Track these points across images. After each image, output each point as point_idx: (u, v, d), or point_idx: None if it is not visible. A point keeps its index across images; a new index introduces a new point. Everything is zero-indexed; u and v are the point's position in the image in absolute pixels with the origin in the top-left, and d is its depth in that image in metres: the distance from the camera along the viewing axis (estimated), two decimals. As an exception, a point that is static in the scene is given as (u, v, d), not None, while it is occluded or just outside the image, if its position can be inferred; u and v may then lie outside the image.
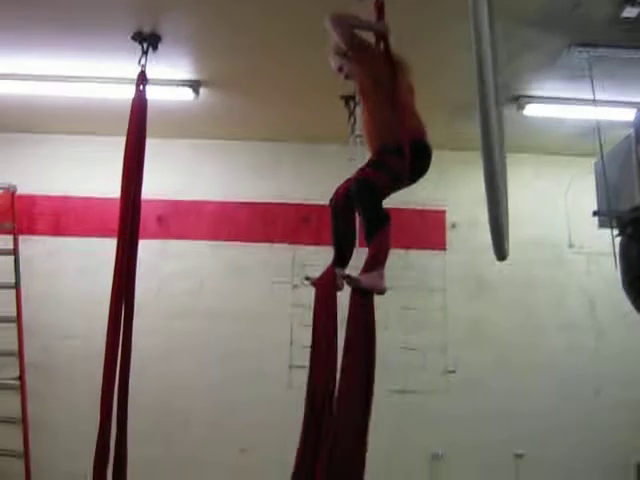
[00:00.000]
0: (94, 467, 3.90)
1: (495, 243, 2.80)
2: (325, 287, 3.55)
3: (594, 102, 4.80)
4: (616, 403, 5.90)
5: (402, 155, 3.24)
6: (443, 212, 6.26)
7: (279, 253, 6.16)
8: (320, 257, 6.20)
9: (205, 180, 6.31)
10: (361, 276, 3.11)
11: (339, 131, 5.75)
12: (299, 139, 6.24)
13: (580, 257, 6.29)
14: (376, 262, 3.13)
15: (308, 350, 5.74)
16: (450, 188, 6.32)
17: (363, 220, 3.24)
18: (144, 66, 4.49)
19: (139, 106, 4.40)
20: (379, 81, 3.41)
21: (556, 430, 5.85)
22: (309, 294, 5.98)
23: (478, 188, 6.18)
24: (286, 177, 6.30)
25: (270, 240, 6.19)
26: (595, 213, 4.46)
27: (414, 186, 5.63)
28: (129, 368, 4.07)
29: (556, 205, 6.32)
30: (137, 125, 4.36)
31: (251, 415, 5.79)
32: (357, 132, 5.05)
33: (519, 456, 5.80)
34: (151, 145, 4.55)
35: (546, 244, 6.29)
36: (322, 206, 6.32)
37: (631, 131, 4.38)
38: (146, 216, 5.04)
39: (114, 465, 4.00)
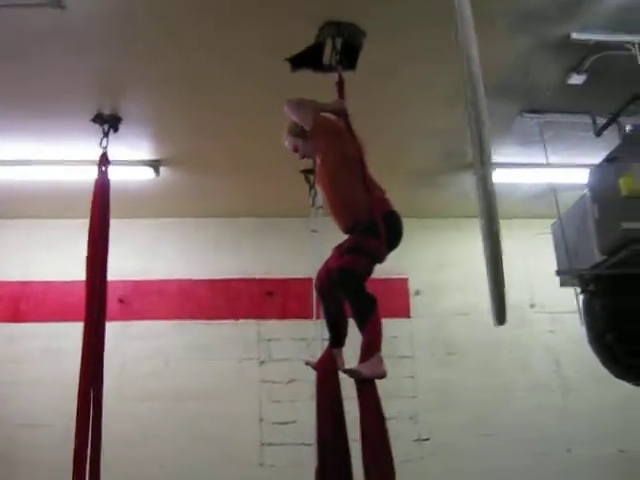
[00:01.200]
0: None
1: (496, 308, 2.83)
2: (326, 368, 3.56)
3: (547, 165, 4.98)
4: (588, 460, 5.89)
5: (376, 232, 3.29)
6: (406, 280, 6.31)
7: (244, 329, 6.12)
8: (287, 331, 6.25)
9: (166, 259, 6.28)
10: (361, 366, 3.13)
11: (299, 205, 5.81)
12: (259, 214, 6.30)
13: (543, 316, 6.40)
14: (372, 348, 3.16)
15: (279, 426, 5.76)
16: (411, 255, 6.33)
17: (352, 308, 3.27)
18: (105, 148, 4.51)
19: (102, 187, 4.40)
20: (347, 156, 3.47)
21: None
22: (277, 369, 6.05)
23: (439, 254, 6.46)
24: (248, 252, 6.33)
25: (235, 317, 6.13)
26: (558, 272, 4.55)
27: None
28: (99, 456, 3.92)
29: (516, 267, 6.40)
30: (100, 206, 4.34)
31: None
32: (318, 204, 5.09)
33: (497, 520, 5.76)
34: (111, 225, 4.49)
35: (508, 305, 6.31)
36: (286, 280, 6.48)
37: (585, 191, 4.55)
38: (107, 297, 4.98)
39: None
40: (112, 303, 5.87)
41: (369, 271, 3.33)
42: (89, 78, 4.26)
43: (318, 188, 3.81)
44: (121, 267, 6.01)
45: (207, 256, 6.28)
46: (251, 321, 6.12)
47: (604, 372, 5.83)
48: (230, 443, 5.74)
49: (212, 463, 5.67)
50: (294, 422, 5.84)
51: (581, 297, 4.69)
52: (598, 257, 4.52)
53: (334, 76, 3.92)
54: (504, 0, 3.72)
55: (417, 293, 6.26)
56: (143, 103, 4.56)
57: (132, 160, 5.16)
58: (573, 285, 4.83)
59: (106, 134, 4.53)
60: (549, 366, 6.23)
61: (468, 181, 5.69)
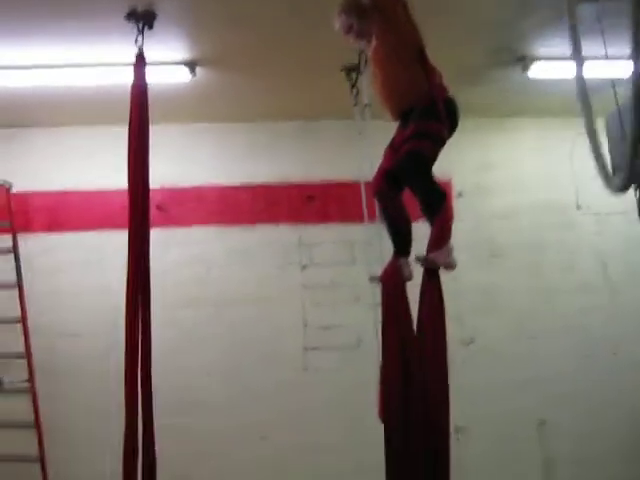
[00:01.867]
0: (124, 467, 3.76)
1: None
2: (393, 280, 3.42)
3: (603, 57, 4.69)
4: (635, 362, 5.88)
5: (437, 116, 3.15)
6: (449, 181, 6.10)
7: (285, 234, 6.02)
8: (327, 235, 6.14)
9: (203, 165, 6.12)
10: (433, 255, 3.06)
11: (337, 106, 5.58)
12: (298, 116, 6.06)
13: (589, 218, 6.24)
14: (443, 239, 3.08)
15: (323, 331, 5.75)
16: (454, 157, 6.09)
17: (420, 196, 3.14)
18: (141, 47, 4.18)
19: (139, 91, 4.12)
20: (406, 37, 3.28)
21: (577, 393, 5.83)
22: (319, 273, 6.01)
23: (483, 155, 6.25)
24: (287, 156, 6.13)
25: (275, 221, 6.03)
26: (619, 167, 4.33)
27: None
28: (150, 363, 3.89)
29: (561, 168, 6.22)
30: (139, 111, 4.09)
31: (269, 401, 5.69)
32: (366, 102, 4.87)
33: (542, 423, 5.80)
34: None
35: (554, 207, 6.21)
36: (326, 183, 6.35)
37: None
38: (148, 205, 4.91)
39: (143, 464, 3.86)
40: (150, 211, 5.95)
41: (435, 156, 3.20)
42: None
43: (371, 73, 3.58)
44: (157, 174, 5.88)
45: (245, 161, 6.10)
46: (291, 226, 6.01)
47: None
48: (274, 348, 5.77)
49: (257, 368, 5.72)
50: (338, 326, 5.84)
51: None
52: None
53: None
54: None
55: (460, 195, 6.10)
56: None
57: (168, 61, 4.88)
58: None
59: (141, 31, 4.20)
60: (595, 268, 6.12)
61: (516, 79, 5.46)
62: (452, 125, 3.28)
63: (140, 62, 4.21)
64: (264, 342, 5.80)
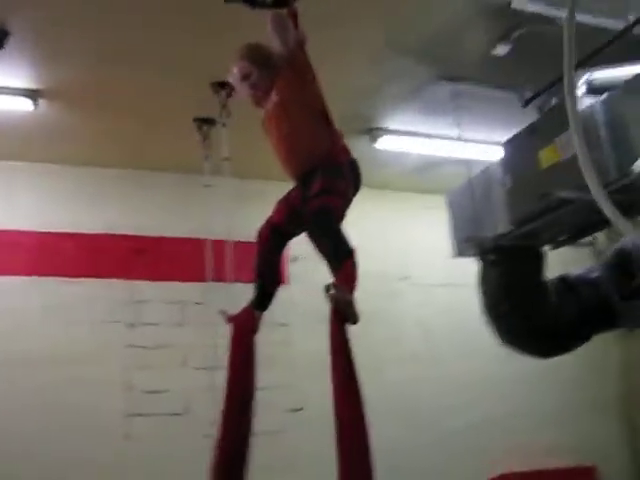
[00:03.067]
0: None
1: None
2: (246, 327, 3.31)
3: (454, 138, 5.00)
4: (457, 431, 6.11)
5: (343, 175, 3.04)
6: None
7: (110, 289, 5.51)
8: (158, 293, 5.76)
9: (21, 207, 5.47)
10: (340, 290, 2.84)
11: (179, 158, 5.46)
12: (135, 164, 5.68)
13: (414, 289, 6.48)
14: (348, 286, 2.86)
15: (148, 395, 5.30)
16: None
17: (327, 250, 2.98)
18: None
19: None
20: (311, 96, 3.16)
21: (406, 459, 5.81)
22: (147, 333, 5.56)
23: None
24: (119, 206, 5.70)
25: (100, 275, 5.51)
26: (468, 239, 4.56)
27: (251, 219, 5.51)
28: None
29: (393, 238, 6.47)
30: None
31: (83, 475, 4.99)
32: (226, 155, 4.70)
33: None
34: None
35: (383, 276, 6.38)
36: (159, 238, 5.98)
37: (489, 165, 4.61)
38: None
39: None
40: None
41: (343, 213, 3.05)
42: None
43: (266, 128, 3.40)
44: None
45: (71, 208, 5.57)
46: (118, 280, 5.55)
47: (472, 345, 6.15)
48: (92, 413, 5.14)
49: (72, 436, 5.04)
50: (166, 391, 5.40)
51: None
52: (503, 228, 4.66)
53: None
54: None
55: (295, 259, 6.06)
56: (34, 17, 3.80)
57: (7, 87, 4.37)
58: (469, 255, 4.93)
59: None
60: (419, 338, 6.34)
61: (363, 149, 5.61)
62: (356, 186, 3.19)
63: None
64: (80, 406, 5.14)
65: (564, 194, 3.74)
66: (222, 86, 4.59)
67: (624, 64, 4.02)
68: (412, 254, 6.28)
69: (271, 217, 3.34)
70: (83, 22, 3.90)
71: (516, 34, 4.10)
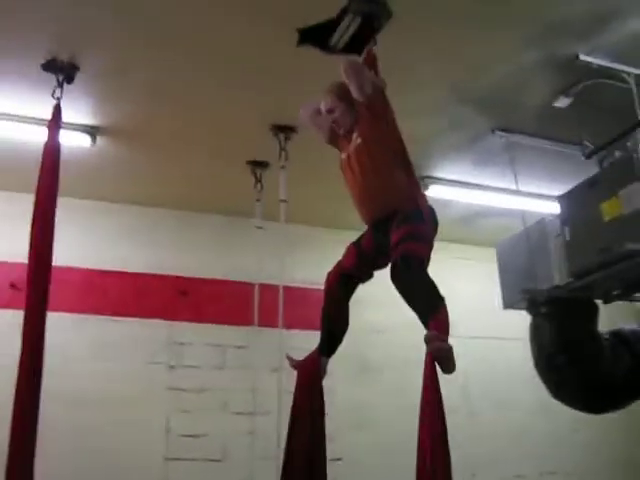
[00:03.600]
0: None
1: None
2: (309, 374, 3.31)
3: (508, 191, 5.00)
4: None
5: (425, 222, 3.01)
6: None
7: (153, 329, 5.49)
8: (200, 335, 5.72)
9: (68, 243, 5.47)
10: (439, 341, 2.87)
11: (231, 201, 5.53)
12: (183, 205, 5.73)
13: (454, 340, 6.39)
14: (444, 333, 2.87)
15: (186, 439, 5.21)
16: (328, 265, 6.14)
17: (418, 298, 2.96)
18: (59, 99, 3.76)
19: (52, 151, 3.62)
20: (393, 141, 3.17)
21: None
22: (187, 376, 5.51)
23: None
24: (164, 246, 5.71)
25: (143, 315, 5.49)
26: (523, 291, 4.52)
27: (296, 264, 5.48)
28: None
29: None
30: (49, 175, 3.59)
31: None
32: (283, 197, 4.72)
33: None
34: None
35: (420, 327, 6.30)
36: (201, 280, 5.98)
37: (549, 217, 4.63)
38: None
39: None
40: (3, 288, 5.18)
41: (429, 258, 2.99)
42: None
43: (345, 170, 3.40)
44: (14, 248, 5.25)
45: (116, 245, 5.58)
46: (160, 321, 5.52)
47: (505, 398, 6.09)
48: (132, 456, 5.05)
49: (112, 478, 4.96)
50: (205, 435, 5.34)
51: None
52: (560, 280, 4.64)
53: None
54: (530, 7, 3.62)
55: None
56: (102, 55, 3.87)
57: (72, 123, 4.35)
58: (519, 307, 4.89)
59: (60, 84, 3.76)
60: (456, 389, 6.23)
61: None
62: (435, 232, 3.15)
63: (57, 119, 3.76)
64: (120, 448, 5.06)
65: (633, 246, 3.74)
66: (281, 129, 4.66)
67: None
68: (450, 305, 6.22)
69: (341, 261, 3.38)
70: (145, 62, 3.96)
71: (579, 87, 4.15)
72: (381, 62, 3.59)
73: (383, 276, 6.25)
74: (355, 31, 3.81)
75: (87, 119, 4.47)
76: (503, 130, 4.61)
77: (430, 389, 2.86)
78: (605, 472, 6.49)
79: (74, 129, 4.45)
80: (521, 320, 6.37)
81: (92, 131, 4.49)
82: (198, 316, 5.62)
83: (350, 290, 3.40)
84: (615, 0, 3.63)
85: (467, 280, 6.52)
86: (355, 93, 3.15)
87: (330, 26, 3.81)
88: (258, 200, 5.11)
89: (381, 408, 5.94)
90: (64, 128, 4.22)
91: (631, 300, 4.86)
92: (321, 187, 5.22)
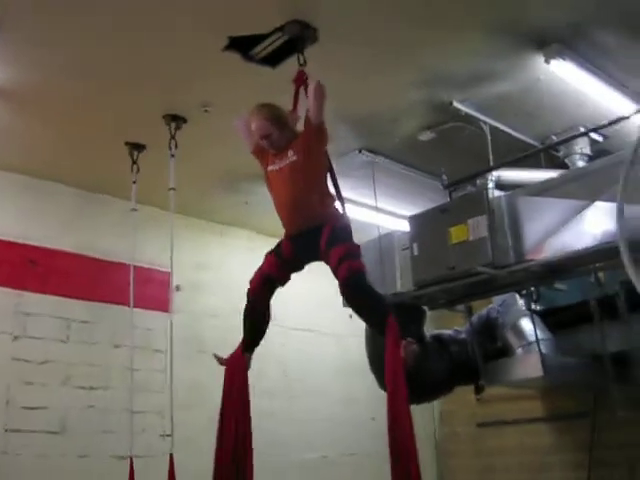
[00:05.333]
0: None
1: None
2: (237, 369, 3.73)
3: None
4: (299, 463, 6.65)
5: (352, 239, 3.49)
6: (167, 274, 6.17)
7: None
8: (46, 306, 5.62)
9: None
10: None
11: (90, 177, 5.57)
12: (41, 174, 5.53)
13: (277, 330, 6.86)
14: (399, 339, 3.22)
15: (27, 411, 5.13)
16: (175, 251, 6.26)
17: (370, 310, 3.37)
18: None
19: None
20: (324, 160, 3.62)
21: None
22: (32, 347, 5.39)
23: (202, 254, 6.52)
24: (13, 212, 5.48)
25: (-12, 282, 5.29)
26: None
27: (142, 244, 5.63)
28: None
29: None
30: None
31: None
32: (172, 185, 4.84)
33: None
34: None
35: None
36: (52, 250, 5.86)
37: (397, 232, 5.32)
38: None
39: None
40: None
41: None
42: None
43: (277, 180, 3.65)
44: None
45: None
46: (6, 290, 5.29)
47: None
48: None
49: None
50: (45, 407, 5.25)
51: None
52: (403, 287, 5.29)
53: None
54: (421, 58, 4.27)
55: (177, 289, 6.19)
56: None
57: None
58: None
59: None
60: (278, 375, 6.74)
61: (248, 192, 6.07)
62: None
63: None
64: None
65: (481, 268, 4.49)
66: (174, 119, 4.80)
67: (527, 169, 4.97)
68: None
69: (261, 268, 3.73)
70: (60, 31, 3.90)
71: (445, 127, 4.87)
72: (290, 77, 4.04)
73: (217, 265, 6.64)
74: (276, 47, 4.22)
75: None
76: (370, 151, 5.24)
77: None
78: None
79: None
80: (336, 318, 7.10)
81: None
82: (45, 287, 5.49)
83: (271, 291, 3.74)
84: (490, 65, 4.39)
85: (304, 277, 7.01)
86: (314, 115, 3.51)
87: (257, 38, 4.15)
88: (134, 182, 5.18)
89: (214, 387, 6.19)
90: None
91: (452, 310, 5.73)
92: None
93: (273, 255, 3.69)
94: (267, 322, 3.78)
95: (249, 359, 3.79)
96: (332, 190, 3.70)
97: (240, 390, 3.67)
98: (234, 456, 3.49)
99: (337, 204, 3.68)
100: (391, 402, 3.12)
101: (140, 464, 5.26)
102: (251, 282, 3.71)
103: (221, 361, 3.79)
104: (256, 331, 3.77)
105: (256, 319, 3.75)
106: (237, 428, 3.54)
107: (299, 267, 3.70)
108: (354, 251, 3.41)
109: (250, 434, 3.58)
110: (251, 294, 3.71)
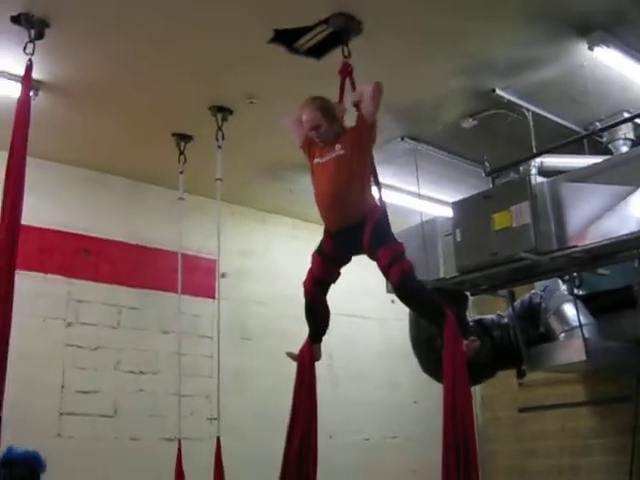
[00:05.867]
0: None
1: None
2: (309, 360, 3.95)
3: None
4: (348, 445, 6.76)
5: (395, 238, 3.58)
6: (214, 261, 6.32)
7: (53, 285, 5.46)
8: (97, 294, 5.82)
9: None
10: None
11: (139, 167, 5.72)
12: (89, 165, 5.70)
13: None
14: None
15: (80, 395, 5.32)
16: (221, 239, 6.37)
17: (425, 310, 3.59)
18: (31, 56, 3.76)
19: (25, 109, 3.64)
20: (372, 158, 3.70)
21: None
22: (86, 333, 5.59)
23: (247, 241, 6.64)
24: (68, 203, 5.67)
25: (43, 270, 5.44)
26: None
27: (188, 232, 5.73)
28: None
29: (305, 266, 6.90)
30: (21, 135, 3.59)
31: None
32: (218, 176, 5.00)
33: (271, 501, 6.13)
34: None
35: (295, 300, 6.78)
36: (103, 240, 6.09)
37: (440, 218, 5.39)
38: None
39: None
40: None
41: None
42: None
43: (323, 173, 3.65)
44: None
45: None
46: (60, 278, 5.51)
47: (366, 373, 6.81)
48: (27, 410, 4.96)
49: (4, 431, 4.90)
50: (97, 392, 5.45)
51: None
52: (446, 273, 5.35)
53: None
54: (467, 46, 4.32)
55: (223, 275, 6.32)
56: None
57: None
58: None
59: (32, 40, 3.77)
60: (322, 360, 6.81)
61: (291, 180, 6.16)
62: None
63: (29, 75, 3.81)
64: (13, 405, 4.95)
65: (524, 254, 4.53)
66: (220, 110, 4.92)
67: (570, 155, 4.99)
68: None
69: (311, 270, 3.87)
70: (112, 30, 4.06)
71: (487, 114, 4.91)
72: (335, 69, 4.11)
73: (261, 253, 6.75)
74: (321, 39, 4.30)
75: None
76: (412, 138, 5.30)
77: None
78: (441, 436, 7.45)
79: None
80: (379, 303, 7.17)
81: (37, 85, 4.39)
82: (97, 275, 5.69)
83: (325, 290, 3.90)
84: (532, 52, 4.42)
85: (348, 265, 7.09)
86: (369, 113, 3.59)
87: (302, 30, 4.23)
88: (181, 172, 5.32)
89: (258, 374, 6.42)
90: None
91: (494, 295, 5.79)
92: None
93: (318, 255, 3.80)
94: (328, 316, 3.94)
95: (318, 349, 4.02)
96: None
97: (310, 382, 3.91)
98: (301, 445, 3.72)
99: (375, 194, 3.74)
100: (450, 397, 3.21)
101: (188, 446, 5.44)
102: (304, 284, 3.87)
103: (293, 357, 3.98)
104: (319, 325, 3.95)
105: (317, 315, 3.91)
106: (307, 418, 3.78)
107: (345, 261, 3.79)
108: (400, 251, 3.49)
109: (316, 424, 3.82)
110: (307, 294, 3.87)
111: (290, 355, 3.97)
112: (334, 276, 3.83)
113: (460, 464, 3.08)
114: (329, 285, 3.85)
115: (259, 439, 6.27)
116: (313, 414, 3.81)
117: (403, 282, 3.41)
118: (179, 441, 5.10)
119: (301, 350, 3.98)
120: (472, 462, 3.09)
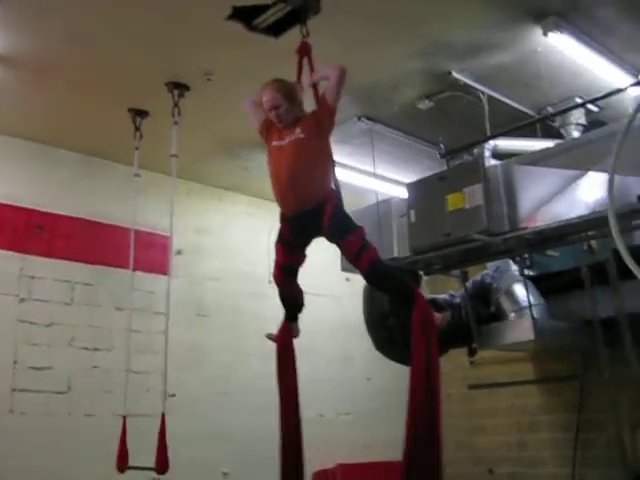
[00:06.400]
0: None
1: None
2: (287, 338, 3.96)
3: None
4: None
5: (356, 224, 3.58)
6: (168, 238, 6.27)
7: (4, 261, 5.40)
8: (52, 270, 5.76)
9: None
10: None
11: (93, 142, 5.65)
12: (44, 139, 5.62)
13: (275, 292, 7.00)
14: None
15: (33, 371, 5.28)
16: (177, 216, 6.12)
17: (396, 294, 3.70)
18: None
19: None
20: (330, 142, 3.67)
21: (256, 447, 6.20)
22: (39, 309, 5.54)
23: (202, 218, 6.62)
24: (21, 179, 5.60)
25: (-5, 246, 5.41)
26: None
27: (144, 209, 5.71)
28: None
29: (260, 244, 6.94)
30: None
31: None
32: (174, 152, 4.96)
33: (226, 474, 6.24)
34: None
35: (252, 277, 6.87)
36: (57, 215, 5.98)
37: (395, 199, 5.43)
38: None
39: None
40: None
41: None
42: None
43: (280, 155, 3.58)
44: None
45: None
46: (12, 254, 5.44)
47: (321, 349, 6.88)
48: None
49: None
50: (50, 368, 5.43)
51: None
52: (400, 253, 5.42)
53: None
54: (424, 28, 4.36)
55: (178, 253, 6.31)
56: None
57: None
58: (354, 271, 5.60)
59: None
60: (277, 337, 6.86)
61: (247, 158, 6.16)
62: None
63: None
64: None
65: (476, 236, 4.62)
66: (177, 86, 4.90)
67: (523, 139, 5.08)
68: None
69: (276, 260, 3.80)
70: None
71: (442, 96, 4.97)
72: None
73: (217, 230, 6.75)
74: (279, 17, 4.28)
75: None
76: (369, 118, 5.33)
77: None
78: (393, 413, 7.54)
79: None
80: (333, 280, 7.24)
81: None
82: (50, 251, 5.62)
83: (293, 275, 3.85)
84: (489, 36, 4.48)
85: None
86: (332, 97, 3.55)
87: (260, 8, 4.20)
88: (137, 148, 5.28)
89: (214, 350, 6.45)
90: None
91: (447, 274, 5.88)
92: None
93: (279, 244, 3.76)
94: (301, 295, 3.93)
95: (296, 326, 3.99)
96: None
97: (293, 360, 3.94)
98: (295, 423, 3.85)
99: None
100: (422, 371, 3.37)
101: (144, 423, 5.40)
102: (273, 276, 3.84)
103: (272, 337, 3.99)
104: (294, 307, 3.95)
105: (291, 299, 3.91)
106: (294, 394, 3.87)
107: (306, 243, 3.75)
108: (363, 237, 3.50)
109: (297, 401, 3.90)
110: (278, 284, 3.85)
111: (269, 336, 3.97)
112: (300, 260, 3.80)
113: (424, 435, 3.31)
114: (296, 271, 3.82)
115: (216, 415, 6.35)
116: (297, 390, 3.89)
117: (372, 269, 3.46)
118: (124, 418, 5.10)
119: (279, 330, 3.98)
120: (437, 434, 3.32)
